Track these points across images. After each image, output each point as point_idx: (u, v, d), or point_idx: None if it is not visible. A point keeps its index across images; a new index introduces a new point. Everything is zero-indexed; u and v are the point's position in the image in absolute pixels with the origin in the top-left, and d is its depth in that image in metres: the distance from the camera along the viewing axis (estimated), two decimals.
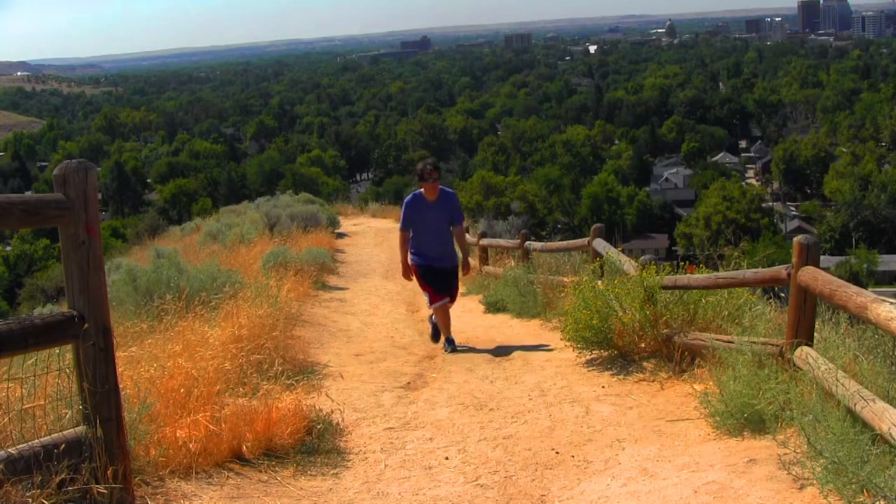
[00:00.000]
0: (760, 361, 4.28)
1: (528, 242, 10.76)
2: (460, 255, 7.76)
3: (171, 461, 3.67)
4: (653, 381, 5.40)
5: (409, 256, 7.59)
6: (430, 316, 7.89)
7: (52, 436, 2.99)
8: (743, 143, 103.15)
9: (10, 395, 3.12)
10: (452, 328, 7.60)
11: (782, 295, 6.04)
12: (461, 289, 12.00)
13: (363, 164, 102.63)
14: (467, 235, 14.82)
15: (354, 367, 6.62)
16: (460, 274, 7.80)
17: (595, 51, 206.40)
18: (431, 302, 7.53)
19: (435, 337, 7.81)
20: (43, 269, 42.03)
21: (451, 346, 7.45)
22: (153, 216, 45.51)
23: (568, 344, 6.26)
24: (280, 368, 5.35)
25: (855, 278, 42.72)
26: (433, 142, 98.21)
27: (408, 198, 7.68)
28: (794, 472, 3.37)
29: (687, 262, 6.43)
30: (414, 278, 7.62)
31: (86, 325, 3.00)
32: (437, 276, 7.49)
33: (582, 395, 5.37)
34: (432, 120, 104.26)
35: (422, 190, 7.51)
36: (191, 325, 5.60)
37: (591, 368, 6.00)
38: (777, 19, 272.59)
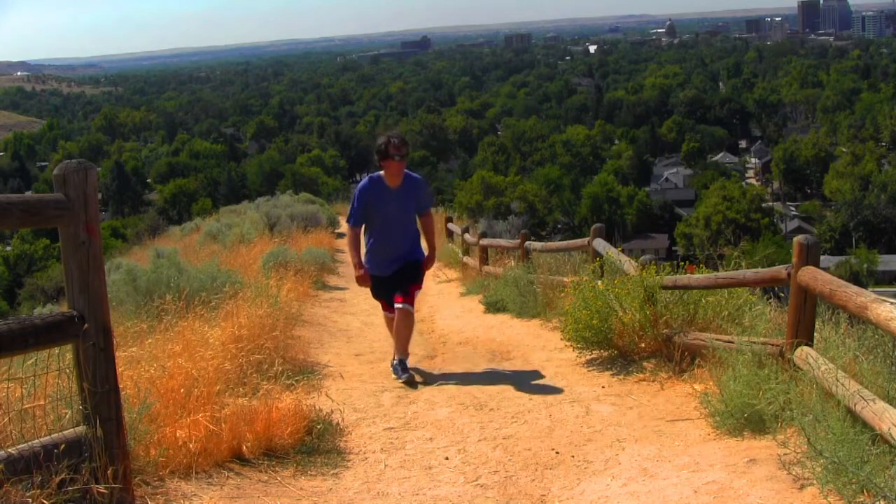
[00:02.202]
0: (760, 361, 4.28)
1: (528, 242, 10.76)
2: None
3: (171, 461, 3.67)
4: (653, 381, 5.40)
5: (364, 257, 6.16)
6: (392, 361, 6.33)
7: (52, 436, 2.99)
8: (743, 143, 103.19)
9: (10, 395, 3.12)
10: (452, 329, 7.17)
11: (782, 295, 6.04)
12: (460, 288, 12.02)
13: (363, 164, 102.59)
14: (467, 235, 14.78)
15: (354, 367, 6.62)
16: (427, 272, 6.48)
17: (595, 51, 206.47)
18: (386, 311, 6.36)
19: (400, 370, 6.09)
20: (43, 269, 42.09)
21: (403, 370, 6.03)
22: (153, 216, 45.60)
23: (568, 344, 6.26)
24: (280, 368, 5.35)
25: (855, 278, 42.72)
26: (433, 142, 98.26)
27: (362, 182, 6.13)
28: (794, 472, 3.37)
29: (687, 262, 6.43)
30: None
31: (86, 325, 3.00)
32: (388, 283, 6.10)
33: (582, 395, 5.37)
34: (432, 120, 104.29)
35: (381, 173, 6.04)
36: (191, 325, 5.61)
37: (591, 368, 6.00)
38: (777, 19, 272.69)
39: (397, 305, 6.03)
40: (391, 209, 5.99)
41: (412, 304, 6.11)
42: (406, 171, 6.04)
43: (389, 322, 6.37)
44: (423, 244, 6.40)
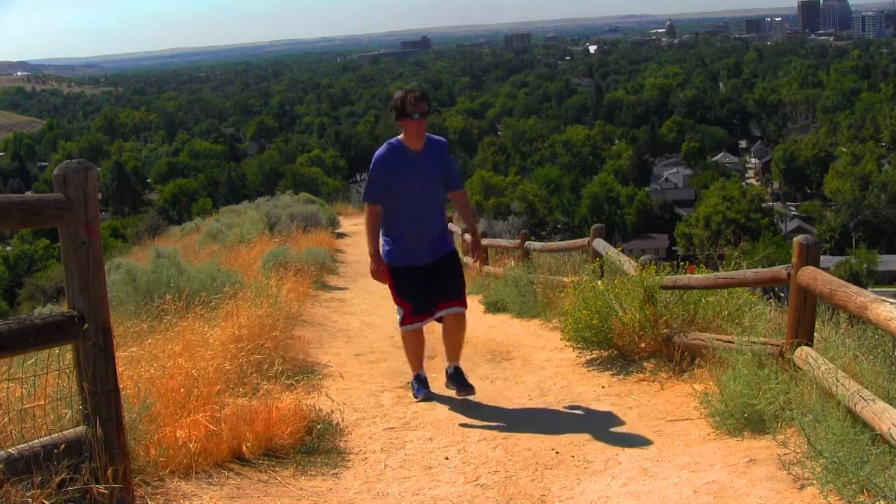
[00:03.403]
0: (760, 361, 4.28)
1: (528, 242, 10.77)
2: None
3: (171, 461, 3.67)
4: (653, 381, 5.40)
5: (382, 247, 5.18)
6: (412, 381, 5.48)
7: (52, 436, 2.99)
8: (743, 143, 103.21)
9: (10, 395, 3.12)
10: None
11: (782, 295, 6.04)
12: None
13: (363, 164, 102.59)
14: (467, 235, 14.73)
15: (354, 367, 6.61)
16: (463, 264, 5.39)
17: (595, 51, 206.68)
18: (404, 321, 5.18)
19: (421, 390, 5.40)
20: (43, 269, 42.07)
21: (423, 388, 5.34)
22: (153, 216, 45.51)
23: (568, 344, 6.26)
24: (280, 368, 5.34)
25: (855, 278, 42.72)
26: None
27: (379, 150, 5.10)
28: (794, 472, 3.37)
29: (687, 262, 6.43)
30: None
31: (86, 325, 3.00)
32: (425, 278, 5.10)
33: (582, 395, 5.38)
34: (432, 120, 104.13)
35: (400, 137, 5.09)
36: (191, 325, 5.60)
37: (591, 368, 6.00)
38: (777, 19, 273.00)
39: (449, 310, 5.15)
40: (416, 179, 5.01)
41: (465, 304, 5.28)
42: (429, 134, 5.12)
43: (413, 338, 5.28)
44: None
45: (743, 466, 3.60)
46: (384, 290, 11.86)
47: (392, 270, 5.11)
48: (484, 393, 5.60)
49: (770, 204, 73.10)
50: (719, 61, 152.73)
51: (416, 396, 5.35)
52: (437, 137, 5.18)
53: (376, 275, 5.15)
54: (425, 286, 5.10)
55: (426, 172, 5.05)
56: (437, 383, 5.96)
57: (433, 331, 8.29)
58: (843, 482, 3.04)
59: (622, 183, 72.76)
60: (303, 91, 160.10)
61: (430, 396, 5.32)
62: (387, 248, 5.15)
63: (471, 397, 5.33)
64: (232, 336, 5.56)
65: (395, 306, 5.30)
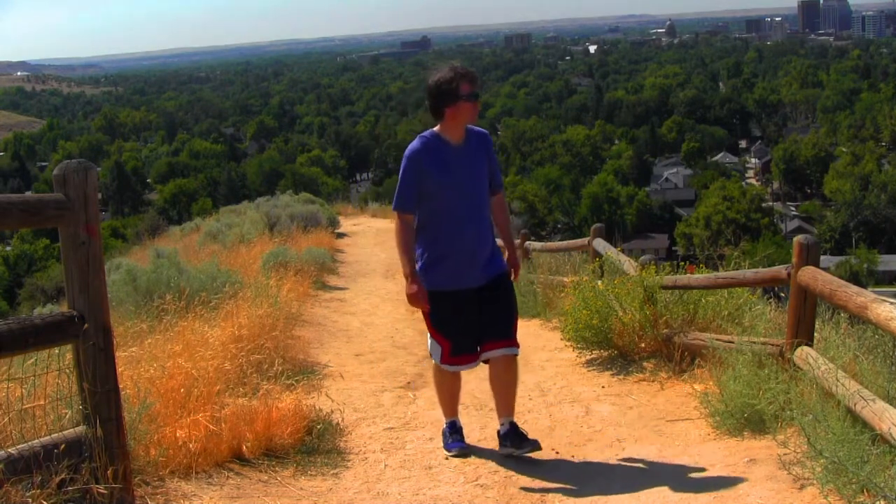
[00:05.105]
0: (760, 361, 4.29)
1: (528, 242, 10.77)
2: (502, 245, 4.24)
3: (171, 461, 3.67)
4: (653, 381, 5.40)
5: (419, 268, 4.07)
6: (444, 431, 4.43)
7: (52, 436, 2.99)
8: (743, 143, 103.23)
9: (10, 395, 3.12)
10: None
11: (782, 295, 6.04)
12: None
13: (363, 164, 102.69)
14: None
15: (354, 367, 6.62)
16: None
17: (595, 51, 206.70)
18: (443, 359, 4.16)
19: (456, 443, 4.36)
20: (43, 269, 42.08)
21: (459, 441, 4.36)
22: (153, 216, 45.48)
23: (568, 344, 6.26)
24: (280, 368, 5.35)
25: (855, 278, 42.72)
26: None
27: (413, 145, 4.05)
28: (794, 472, 3.38)
29: (687, 262, 6.44)
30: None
31: (86, 325, 3.00)
32: (470, 306, 4.05)
33: (582, 395, 5.38)
34: (432, 120, 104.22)
35: (436, 129, 4.08)
36: (191, 325, 5.60)
37: (591, 368, 6.00)
38: (777, 19, 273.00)
39: (498, 352, 4.08)
40: (461, 181, 3.99)
41: (517, 343, 4.14)
42: (468, 125, 4.09)
43: (449, 379, 4.28)
44: None
45: (743, 466, 3.60)
46: (384, 290, 11.85)
47: (431, 296, 4.02)
48: (484, 393, 5.60)
49: (770, 204, 73.09)
50: (719, 61, 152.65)
51: (448, 450, 4.30)
52: (476, 128, 4.13)
53: (414, 300, 4.04)
54: (472, 318, 4.06)
55: (472, 171, 4.02)
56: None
57: None
58: (843, 482, 3.04)
59: (622, 183, 72.76)
60: (303, 91, 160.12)
61: (466, 452, 4.27)
62: (428, 264, 4.06)
63: (473, 395, 5.21)
64: (232, 336, 5.56)
65: (428, 335, 4.28)
